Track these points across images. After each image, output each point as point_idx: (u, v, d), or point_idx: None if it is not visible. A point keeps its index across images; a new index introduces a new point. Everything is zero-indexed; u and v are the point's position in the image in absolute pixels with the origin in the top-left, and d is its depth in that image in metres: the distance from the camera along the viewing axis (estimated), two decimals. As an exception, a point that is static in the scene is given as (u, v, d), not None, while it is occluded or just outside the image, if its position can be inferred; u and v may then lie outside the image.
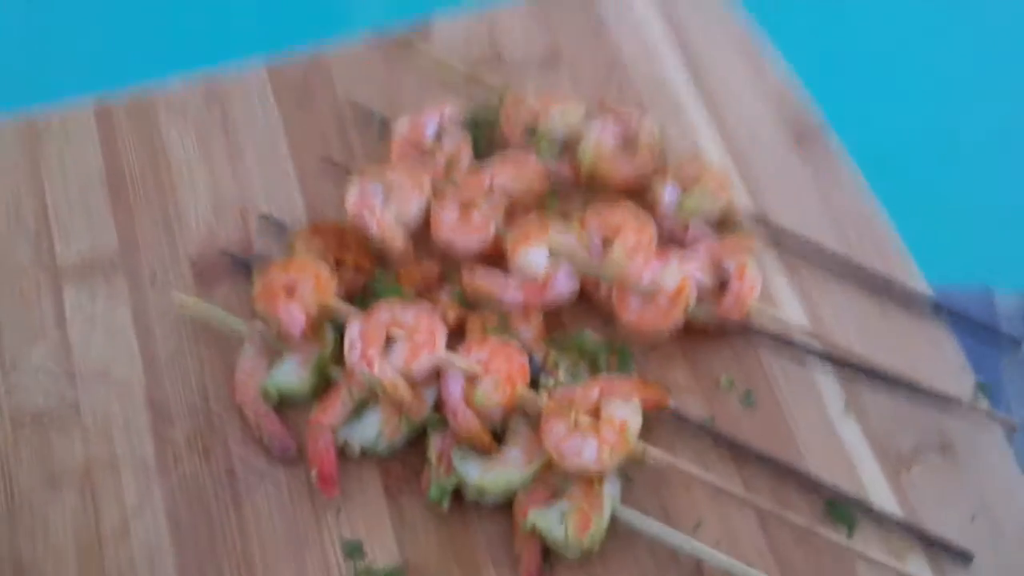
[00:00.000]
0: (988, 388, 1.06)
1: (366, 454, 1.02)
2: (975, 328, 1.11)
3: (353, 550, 0.98)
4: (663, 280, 1.05)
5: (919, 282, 1.13)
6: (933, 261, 1.17)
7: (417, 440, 1.02)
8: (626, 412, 0.98)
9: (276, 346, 1.05)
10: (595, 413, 0.99)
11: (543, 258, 1.07)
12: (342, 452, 1.01)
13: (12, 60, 1.76)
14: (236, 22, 1.83)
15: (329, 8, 1.85)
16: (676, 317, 1.05)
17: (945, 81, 1.71)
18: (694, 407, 1.06)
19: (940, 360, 1.08)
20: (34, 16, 1.85)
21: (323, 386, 1.04)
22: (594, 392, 1.00)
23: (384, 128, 1.19)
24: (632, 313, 1.06)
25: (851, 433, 1.04)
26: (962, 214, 1.52)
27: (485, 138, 1.19)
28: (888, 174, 1.24)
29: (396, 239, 1.08)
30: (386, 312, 1.03)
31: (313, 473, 1.00)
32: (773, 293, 1.12)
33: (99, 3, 1.89)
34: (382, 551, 0.98)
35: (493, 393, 0.99)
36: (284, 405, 1.05)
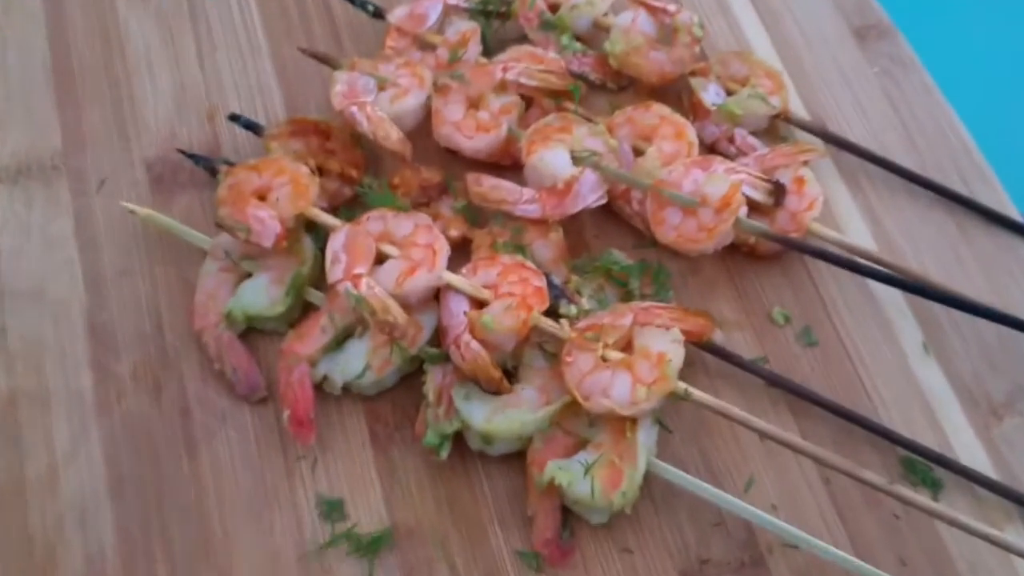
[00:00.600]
0: (1089, 326, 0.91)
1: (350, 391, 0.89)
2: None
3: (332, 509, 0.86)
4: (707, 188, 0.90)
5: (1004, 200, 1.00)
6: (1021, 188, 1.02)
7: (411, 376, 0.90)
8: (665, 344, 0.84)
9: (244, 264, 0.92)
10: (627, 346, 0.86)
11: (564, 162, 0.93)
12: (320, 389, 0.89)
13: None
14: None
15: None
16: (722, 234, 0.91)
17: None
18: (744, 345, 0.93)
19: (1035, 290, 0.94)
20: None
21: (299, 310, 0.92)
22: (626, 319, 0.86)
23: (378, 16, 1.03)
24: (670, 228, 0.92)
25: (932, 376, 0.92)
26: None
27: (496, 30, 1.06)
28: (968, 84, 1.09)
29: (391, 136, 0.94)
30: (377, 222, 0.90)
31: (285, 415, 0.87)
32: (835, 212, 1.00)
33: None
34: (367, 511, 0.86)
35: (503, 319, 0.85)
36: (252, 333, 0.92)
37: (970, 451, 0.87)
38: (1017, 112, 1.19)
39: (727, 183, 0.90)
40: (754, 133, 1.00)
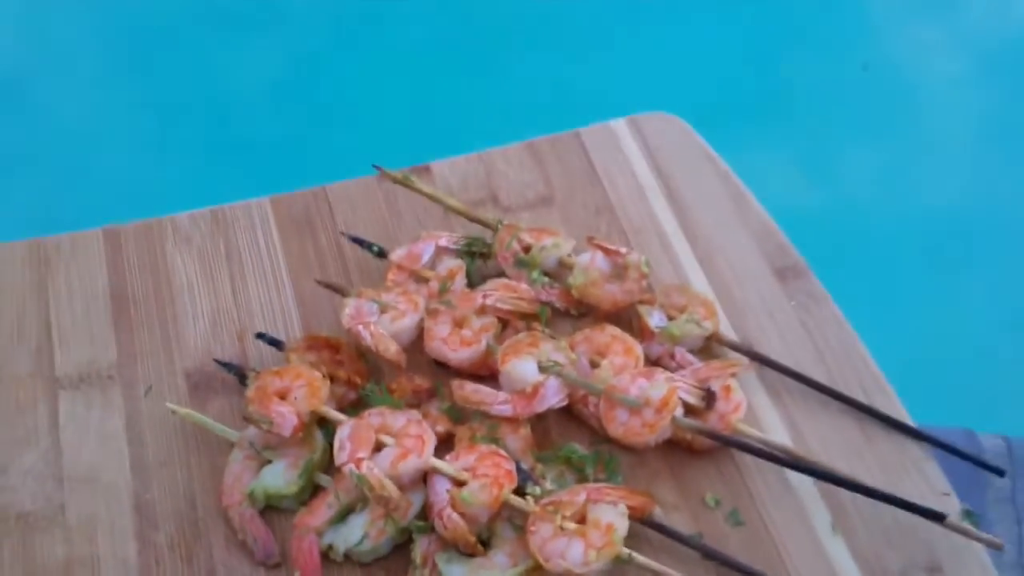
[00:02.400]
0: (975, 516, 1.06)
1: (350, 558, 1.01)
2: (958, 456, 1.12)
3: None
4: (650, 392, 1.07)
5: (901, 411, 1.14)
6: (916, 402, 1.19)
7: (401, 546, 1.02)
8: (612, 516, 0.99)
9: (265, 452, 1.06)
10: (581, 518, 0.99)
11: (533, 370, 1.09)
12: (325, 556, 1.01)
13: (25, 197, 1.83)
14: (245, 171, 1.92)
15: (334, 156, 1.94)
16: (662, 429, 1.06)
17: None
18: (681, 523, 1.05)
19: (925, 483, 1.08)
20: (52, 155, 1.93)
21: (310, 491, 1.05)
22: (580, 496, 1.00)
23: (381, 256, 1.23)
24: (619, 425, 1.07)
25: (839, 551, 1.04)
26: (945, 357, 1.55)
27: (478, 268, 1.23)
28: (872, 317, 1.27)
29: (389, 349, 1.11)
30: (376, 417, 1.05)
31: (296, 576, 0.99)
32: (758, 415, 1.13)
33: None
34: None
35: (480, 494, 0.99)
36: (270, 510, 1.05)
37: None
38: (913, 336, 1.38)
39: (666, 388, 1.08)
40: (691, 351, 1.15)
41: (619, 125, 1.41)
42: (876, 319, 1.30)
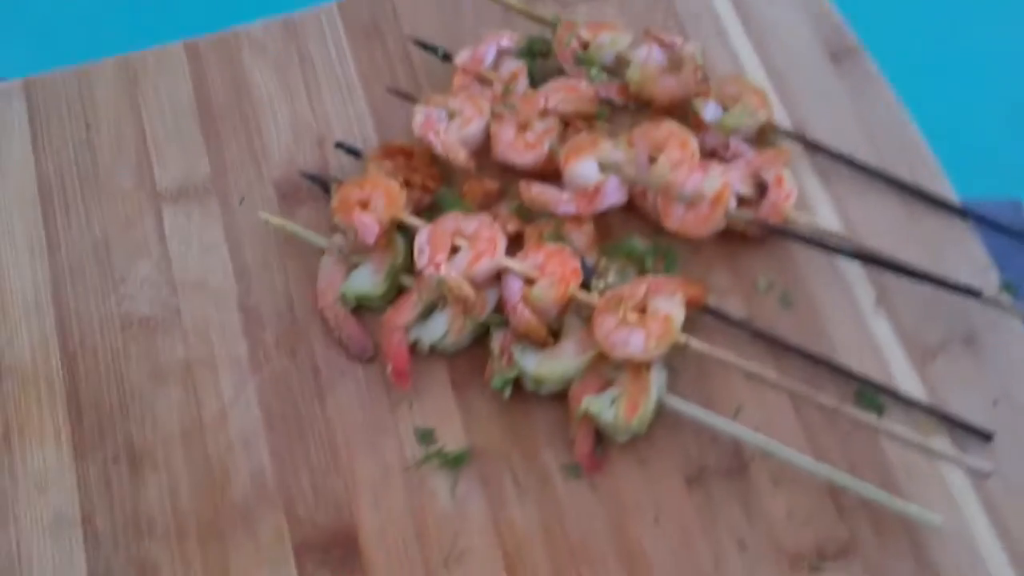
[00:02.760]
0: (1013, 287, 1.14)
1: (435, 351, 1.12)
2: (1001, 231, 1.18)
3: (425, 436, 1.10)
4: (704, 187, 1.14)
5: (947, 190, 1.20)
6: (966, 175, 1.24)
7: (480, 338, 1.13)
8: (670, 306, 1.08)
9: (352, 257, 1.17)
10: (642, 309, 1.09)
11: (593, 170, 1.17)
12: (413, 349, 1.12)
13: (112, 10, 1.88)
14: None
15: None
16: (716, 221, 1.14)
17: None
18: (735, 307, 1.14)
19: (966, 259, 1.15)
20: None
21: (395, 291, 1.15)
22: (641, 289, 1.10)
23: (447, 59, 1.28)
24: (676, 219, 1.15)
25: (881, 327, 1.13)
26: (993, 131, 1.57)
27: (539, 66, 1.28)
28: (924, 94, 1.30)
29: (459, 156, 1.19)
30: (451, 222, 1.14)
31: (388, 368, 1.11)
32: (808, 200, 1.20)
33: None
34: (451, 437, 1.10)
35: (548, 291, 1.09)
36: (360, 309, 1.16)
37: (909, 383, 1.08)
38: (964, 111, 1.40)
39: (719, 182, 1.15)
40: (746, 140, 1.21)
41: (674, -99, 1.41)
42: (928, 91, 1.32)
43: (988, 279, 1.14)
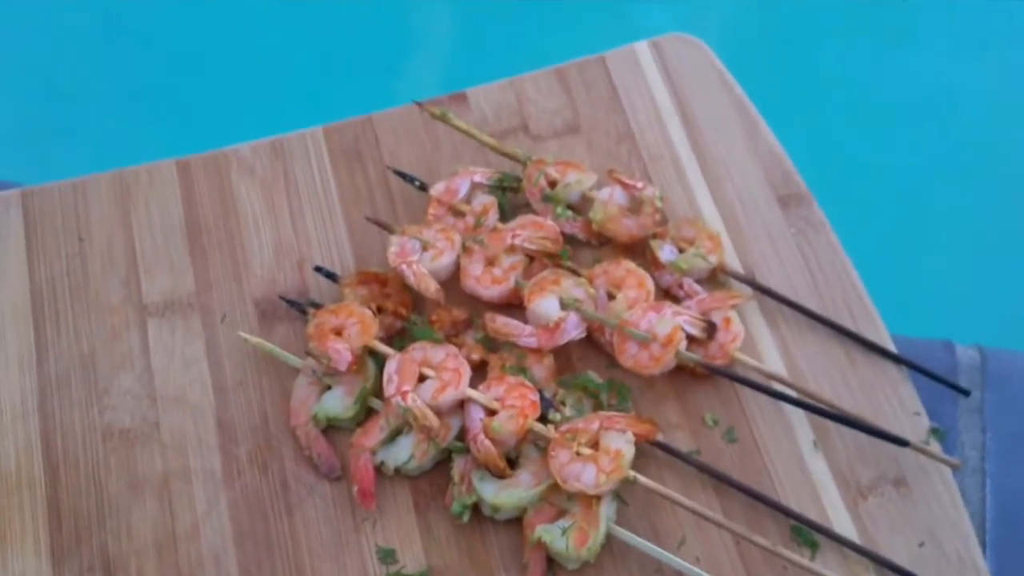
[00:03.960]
0: (941, 433, 1.22)
1: (399, 473, 1.19)
2: (933, 379, 1.27)
3: (387, 556, 1.16)
4: (657, 327, 1.22)
5: (884, 337, 1.28)
6: (900, 315, 1.33)
7: (443, 462, 1.20)
8: (621, 443, 1.16)
9: (325, 379, 1.23)
10: (595, 444, 1.16)
11: (555, 307, 1.25)
12: (379, 471, 1.19)
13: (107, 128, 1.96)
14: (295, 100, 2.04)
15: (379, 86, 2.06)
16: (667, 362, 1.22)
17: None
18: (682, 441, 1.22)
19: (899, 404, 1.24)
20: (126, 88, 2.06)
21: (364, 413, 1.22)
22: (594, 425, 1.17)
23: (423, 189, 1.36)
24: (629, 357, 1.23)
25: (818, 466, 1.20)
26: (930, 274, 1.66)
27: (509, 199, 1.37)
28: (864, 239, 1.39)
29: (430, 288, 1.26)
30: (419, 352, 1.21)
31: (354, 489, 1.18)
32: (755, 341, 1.28)
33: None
34: (411, 557, 1.16)
35: (508, 424, 1.16)
36: (331, 429, 1.23)
37: (842, 521, 1.16)
38: (903, 260, 1.49)
39: (671, 324, 1.23)
40: (699, 280, 1.29)
41: (641, 48, 1.50)
42: (867, 233, 1.40)
43: (919, 424, 1.22)
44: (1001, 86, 2.06)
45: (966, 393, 1.27)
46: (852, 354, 1.27)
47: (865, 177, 1.74)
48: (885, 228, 1.65)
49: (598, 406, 1.22)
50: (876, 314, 1.30)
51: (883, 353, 1.27)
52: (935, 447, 1.21)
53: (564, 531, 1.13)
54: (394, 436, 1.20)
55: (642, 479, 1.15)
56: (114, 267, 1.35)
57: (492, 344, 1.27)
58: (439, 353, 1.21)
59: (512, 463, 1.18)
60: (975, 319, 1.65)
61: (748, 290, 1.30)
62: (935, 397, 1.28)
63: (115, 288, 1.33)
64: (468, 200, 1.35)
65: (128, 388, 1.27)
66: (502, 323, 1.26)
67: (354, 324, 1.23)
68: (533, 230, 1.31)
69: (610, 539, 1.14)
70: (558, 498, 1.16)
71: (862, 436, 1.21)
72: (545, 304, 1.25)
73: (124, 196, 1.40)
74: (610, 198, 1.34)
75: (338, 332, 1.23)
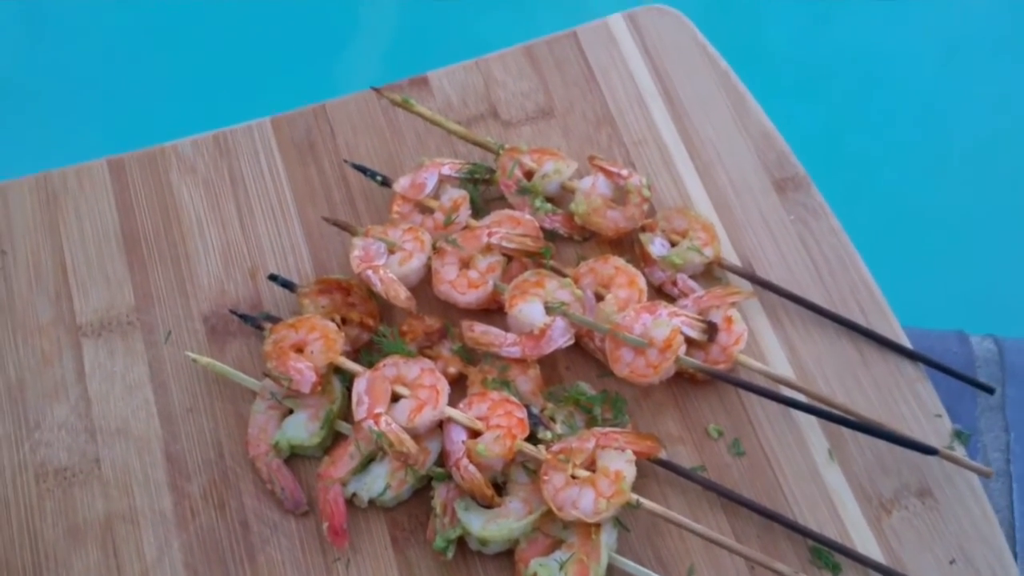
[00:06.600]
0: (965, 436, 1.12)
1: (374, 505, 1.07)
2: (951, 375, 1.16)
3: None
4: (653, 332, 1.10)
5: (898, 331, 1.18)
6: (911, 304, 1.22)
7: (422, 491, 1.08)
8: (620, 463, 1.04)
9: (286, 402, 1.11)
10: (591, 464, 1.05)
11: (539, 313, 1.13)
12: (351, 504, 1.07)
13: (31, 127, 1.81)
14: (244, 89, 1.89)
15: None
16: (666, 369, 1.11)
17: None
18: (685, 456, 1.11)
19: (918, 405, 1.14)
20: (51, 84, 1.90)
21: (332, 440, 1.10)
22: (589, 443, 1.06)
23: (385, 185, 1.23)
24: (624, 365, 1.11)
25: (835, 479, 1.10)
26: (940, 261, 1.57)
27: (482, 192, 1.24)
28: (868, 223, 1.29)
29: (400, 296, 1.14)
30: (391, 368, 1.09)
31: (324, 526, 1.06)
32: (758, 341, 1.17)
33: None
34: None
35: (493, 446, 1.04)
36: (295, 459, 1.11)
37: (864, 540, 1.06)
38: (912, 250, 1.39)
39: (669, 327, 1.11)
40: (693, 276, 1.19)
41: (616, 21, 1.38)
42: (875, 230, 1.30)
43: (941, 426, 1.12)
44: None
45: (991, 391, 1.17)
46: (864, 352, 1.17)
47: (860, 158, 1.64)
48: (881, 209, 1.54)
49: (592, 421, 1.11)
50: (887, 306, 1.20)
51: (898, 350, 1.17)
52: (959, 451, 1.10)
53: (562, 565, 1.02)
54: (366, 464, 1.08)
55: (646, 503, 1.04)
56: (41, 283, 1.21)
57: (471, 355, 1.15)
58: (413, 368, 1.09)
59: (499, 489, 1.07)
60: (983, 305, 1.55)
61: (748, 285, 1.19)
62: (952, 394, 1.18)
63: (44, 307, 1.20)
64: (436, 195, 1.23)
65: (63, 420, 1.13)
66: (481, 332, 1.13)
67: (316, 339, 1.10)
68: (511, 226, 1.19)
69: (611, 570, 1.03)
70: (553, 527, 1.04)
71: (881, 444, 1.11)
72: (528, 309, 1.13)
73: (51, 202, 1.26)
74: (592, 188, 1.22)
75: (299, 349, 1.11)
